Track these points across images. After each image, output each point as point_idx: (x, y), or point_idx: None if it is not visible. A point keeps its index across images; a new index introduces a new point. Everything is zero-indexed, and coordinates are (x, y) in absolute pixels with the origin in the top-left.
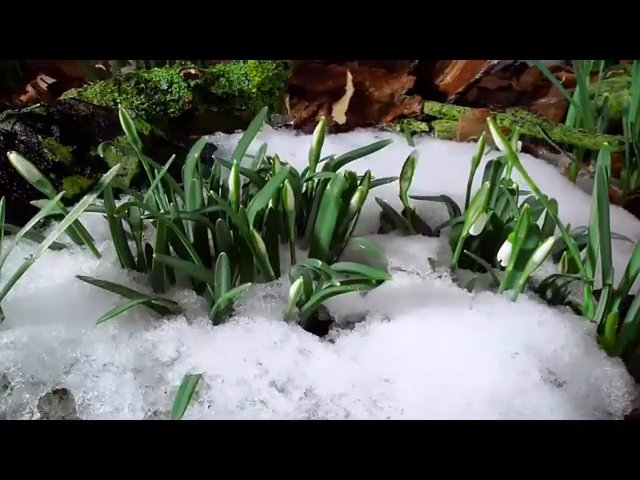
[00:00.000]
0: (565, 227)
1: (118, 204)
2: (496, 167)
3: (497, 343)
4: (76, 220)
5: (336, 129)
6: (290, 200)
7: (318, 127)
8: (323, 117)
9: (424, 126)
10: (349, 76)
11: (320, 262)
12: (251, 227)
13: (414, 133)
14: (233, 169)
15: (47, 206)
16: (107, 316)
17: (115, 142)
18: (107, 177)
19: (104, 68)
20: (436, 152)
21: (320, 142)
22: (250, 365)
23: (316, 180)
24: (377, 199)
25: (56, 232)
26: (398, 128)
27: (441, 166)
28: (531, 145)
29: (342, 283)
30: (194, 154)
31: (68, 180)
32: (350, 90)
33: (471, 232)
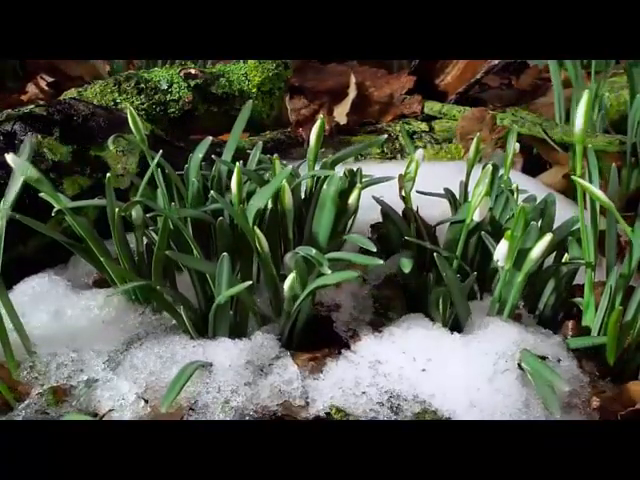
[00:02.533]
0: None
1: None
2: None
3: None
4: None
5: (337, 129)
6: (288, 199)
7: (316, 125)
8: (321, 116)
9: (424, 126)
10: (352, 79)
11: (314, 250)
12: (255, 227)
13: (414, 133)
14: (235, 171)
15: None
16: (117, 291)
17: (122, 138)
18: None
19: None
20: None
21: (318, 141)
22: (250, 372)
23: (314, 179)
24: (375, 198)
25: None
26: (398, 128)
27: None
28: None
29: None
30: (198, 154)
31: (68, 180)
32: (353, 92)
33: (474, 218)
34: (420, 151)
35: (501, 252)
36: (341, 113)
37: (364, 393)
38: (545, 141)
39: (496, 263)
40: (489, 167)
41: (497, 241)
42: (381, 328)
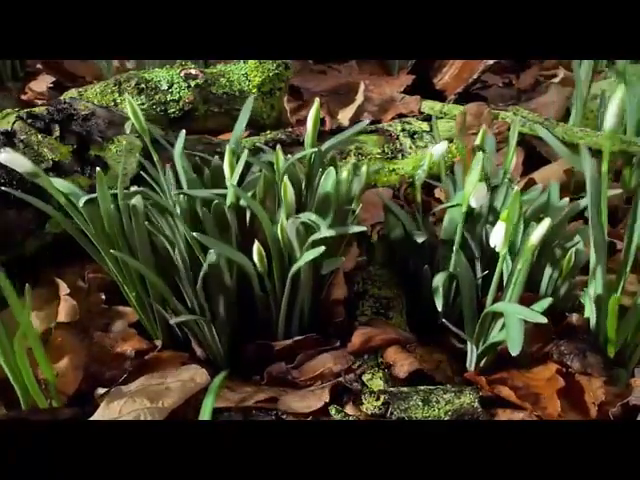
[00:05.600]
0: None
1: None
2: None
3: None
4: None
5: (337, 128)
6: (289, 195)
7: (313, 110)
8: (317, 99)
9: (425, 126)
10: (361, 86)
11: (314, 215)
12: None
13: (415, 133)
14: (227, 153)
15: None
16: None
17: (116, 141)
18: None
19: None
20: None
21: (315, 126)
22: None
23: (310, 168)
24: (378, 192)
25: None
26: (399, 127)
27: None
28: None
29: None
30: (179, 145)
31: (68, 179)
32: (360, 99)
33: (472, 204)
34: (442, 144)
35: (498, 236)
36: (345, 117)
37: None
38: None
39: (493, 248)
40: (480, 154)
41: None
42: None
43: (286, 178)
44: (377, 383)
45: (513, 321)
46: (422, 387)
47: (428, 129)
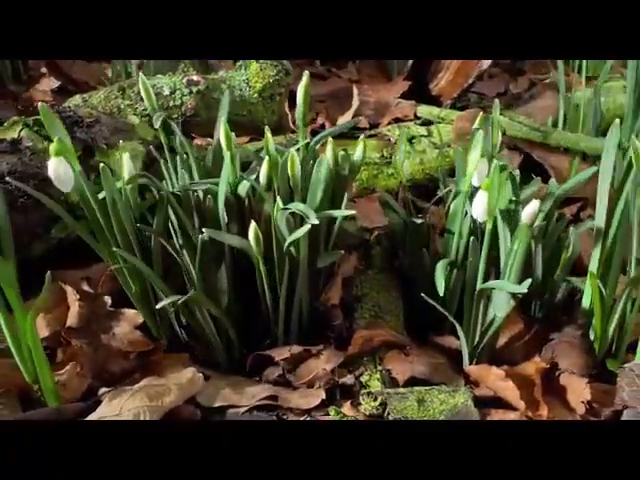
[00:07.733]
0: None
1: None
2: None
3: None
4: None
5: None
6: (296, 169)
7: (302, 84)
8: (307, 72)
9: (423, 130)
10: (355, 90)
11: (302, 204)
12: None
13: (413, 138)
14: (222, 125)
15: None
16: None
17: (120, 147)
18: None
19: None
20: None
21: (306, 100)
22: None
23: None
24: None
25: None
26: (397, 132)
27: None
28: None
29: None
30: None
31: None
32: (355, 104)
33: (474, 183)
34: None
35: (479, 206)
36: (344, 121)
37: None
38: (542, 145)
39: (477, 220)
40: (480, 133)
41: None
42: None
43: (293, 150)
44: (375, 384)
45: (500, 292)
46: (418, 387)
47: (426, 133)
